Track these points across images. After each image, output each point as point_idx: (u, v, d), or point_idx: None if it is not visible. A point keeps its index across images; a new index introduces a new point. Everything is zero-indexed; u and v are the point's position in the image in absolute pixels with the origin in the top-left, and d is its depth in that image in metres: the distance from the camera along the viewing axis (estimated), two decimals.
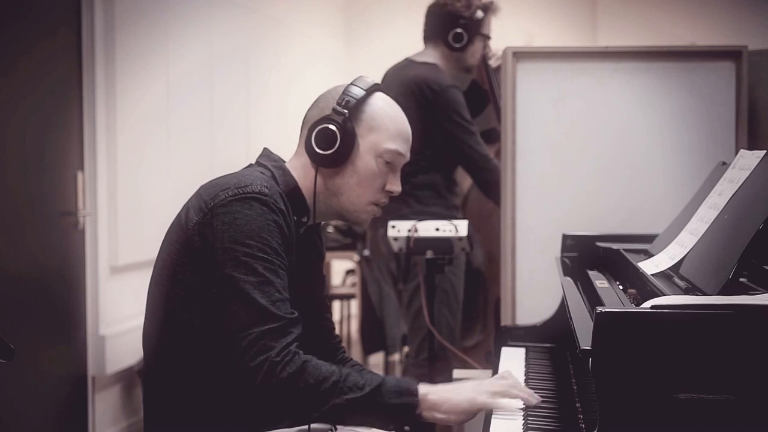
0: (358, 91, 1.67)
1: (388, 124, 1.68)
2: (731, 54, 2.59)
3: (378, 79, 3.21)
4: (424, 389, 1.55)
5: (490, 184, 3.09)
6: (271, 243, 1.54)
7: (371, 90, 1.69)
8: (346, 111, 1.65)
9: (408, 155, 1.72)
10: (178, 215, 1.64)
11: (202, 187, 1.65)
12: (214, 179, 1.65)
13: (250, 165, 1.73)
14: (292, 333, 1.52)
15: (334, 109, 1.65)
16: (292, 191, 1.67)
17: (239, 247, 1.53)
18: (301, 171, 1.70)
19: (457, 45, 3.13)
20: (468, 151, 3.06)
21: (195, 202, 1.62)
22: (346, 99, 1.65)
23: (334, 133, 1.64)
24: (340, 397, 1.50)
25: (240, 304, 1.51)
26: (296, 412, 1.55)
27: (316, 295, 1.81)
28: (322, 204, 1.70)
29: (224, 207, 1.56)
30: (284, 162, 1.73)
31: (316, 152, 1.65)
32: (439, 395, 1.54)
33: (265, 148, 1.75)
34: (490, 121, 3.42)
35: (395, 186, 1.72)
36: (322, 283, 1.85)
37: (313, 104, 1.73)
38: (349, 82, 1.69)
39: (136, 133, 3.74)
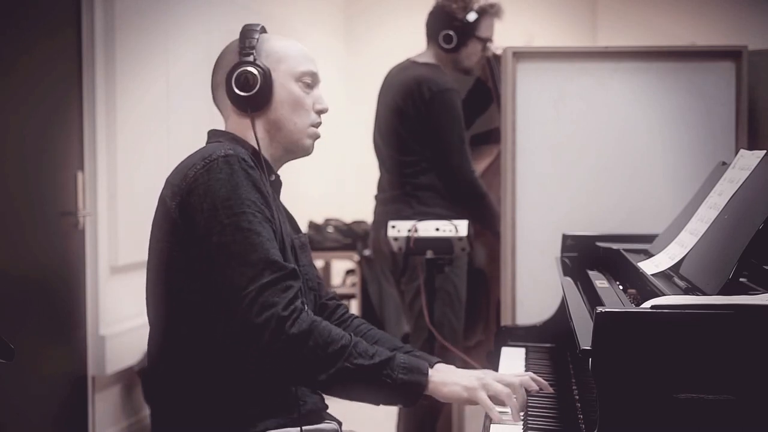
0: (252, 34, 1.73)
1: (290, 51, 1.75)
2: (731, 54, 2.59)
3: (379, 80, 3.26)
4: (432, 370, 1.56)
5: (464, 198, 3.06)
6: (250, 197, 1.56)
7: (261, 31, 1.75)
8: (252, 52, 1.70)
9: (318, 73, 1.78)
10: (156, 211, 1.66)
11: (168, 177, 1.67)
12: (177, 166, 1.67)
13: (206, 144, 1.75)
14: (293, 287, 1.53)
15: (240, 55, 1.71)
16: (252, 154, 1.69)
17: (220, 211, 1.54)
18: (241, 129, 1.74)
19: (447, 46, 3.12)
20: (449, 159, 3.04)
21: (167, 191, 1.63)
22: (246, 43, 1.72)
23: (251, 73, 1.69)
24: (348, 360, 1.51)
25: (233, 265, 1.52)
26: (303, 373, 1.53)
27: (301, 255, 1.80)
28: (270, 149, 1.74)
29: (196, 181, 1.58)
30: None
31: (244, 97, 1.70)
32: (442, 377, 1.56)
33: (210, 130, 1.80)
34: (493, 121, 3.42)
35: (322, 104, 1.77)
36: (306, 242, 1.85)
37: (214, 70, 1.79)
38: (238, 35, 1.75)
39: (136, 133, 3.74)
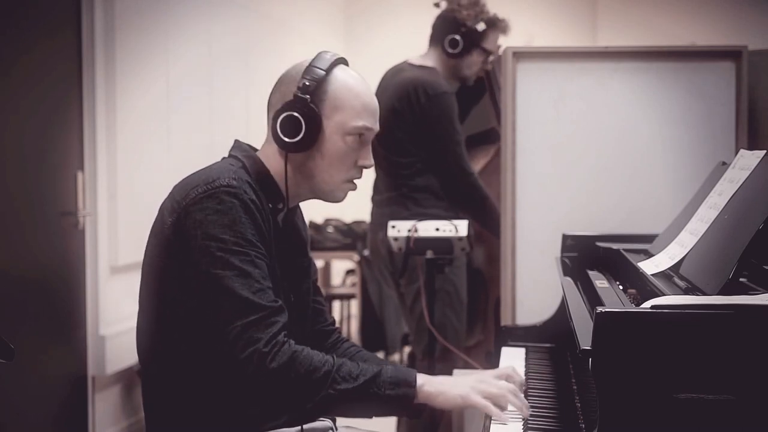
0: (318, 72, 1.64)
1: (352, 101, 1.65)
2: (731, 54, 2.59)
3: (377, 80, 3.26)
4: (422, 379, 1.54)
5: (465, 199, 3.07)
6: (245, 235, 1.54)
7: (331, 67, 1.66)
8: (307, 96, 1.62)
9: (377, 126, 1.70)
10: (155, 220, 1.64)
11: (174, 187, 1.64)
12: (185, 178, 1.65)
13: (223, 158, 1.72)
14: (278, 322, 1.52)
15: (295, 95, 1.63)
16: (264, 179, 1.66)
17: (213, 243, 1.53)
18: (272, 158, 1.69)
19: (451, 50, 3.13)
20: (448, 161, 3.04)
21: (168, 203, 1.61)
22: (306, 83, 1.63)
23: (298, 120, 1.62)
24: (332, 387, 1.50)
25: (221, 299, 1.51)
26: (288, 403, 1.54)
27: (303, 280, 1.80)
28: (296, 187, 1.69)
29: (195, 205, 1.56)
30: (256, 150, 1.72)
31: (283, 140, 1.64)
32: (435, 387, 1.54)
33: (236, 140, 1.75)
34: (490, 121, 3.42)
35: (367, 160, 1.69)
36: (309, 266, 1.84)
37: (275, 87, 1.70)
38: (309, 61, 1.66)
39: (136, 133, 3.74)
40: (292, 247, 1.77)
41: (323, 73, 1.64)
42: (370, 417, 1.58)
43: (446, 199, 3.09)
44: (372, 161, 1.71)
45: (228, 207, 1.54)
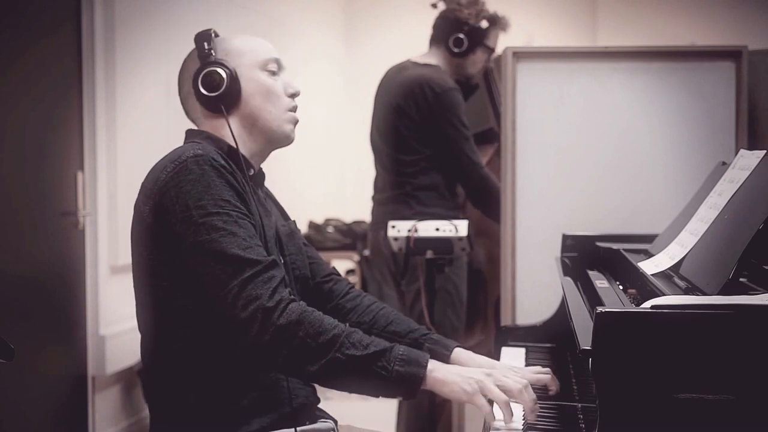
0: (207, 38, 1.73)
1: (249, 44, 1.75)
2: (731, 54, 2.59)
3: (378, 79, 3.26)
4: (433, 365, 1.49)
5: (479, 193, 3.09)
6: (223, 196, 1.55)
7: (214, 35, 1.75)
8: (211, 53, 1.71)
9: (281, 60, 1.78)
10: (133, 217, 1.65)
11: (143, 181, 1.66)
12: (151, 169, 1.66)
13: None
14: (275, 277, 1.51)
15: (200, 58, 1.71)
16: (228, 152, 1.69)
17: (193, 211, 1.53)
18: (216, 131, 1.73)
19: (456, 50, 3.15)
20: (459, 156, 3.06)
21: (141, 196, 1.63)
22: (204, 47, 1.71)
23: (216, 73, 1.69)
24: (340, 350, 1.46)
25: (212, 264, 1.50)
26: (293, 363, 1.48)
27: (290, 241, 1.79)
28: (251, 143, 1.73)
29: (168, 183, 1.57)
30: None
31: (213, 97, 1.69)
32: (444, 375, 1.49)
33: (187, 129, 1.80)
34: (488, 121, 3.43)
35: (294, 87, 1.77)
36: (295, 227, 1.84)
37: (179, 84, 1.81)
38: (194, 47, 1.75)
39: (136, 133, 3.74)
40: (273, 211, 1.79)
41: (212, 35, 1.73)
42: (376, 395, 1.51)
43: (446, 196, 3.10)
44: (298, 87, 1.78)
45: (199, 174, 1.56)
